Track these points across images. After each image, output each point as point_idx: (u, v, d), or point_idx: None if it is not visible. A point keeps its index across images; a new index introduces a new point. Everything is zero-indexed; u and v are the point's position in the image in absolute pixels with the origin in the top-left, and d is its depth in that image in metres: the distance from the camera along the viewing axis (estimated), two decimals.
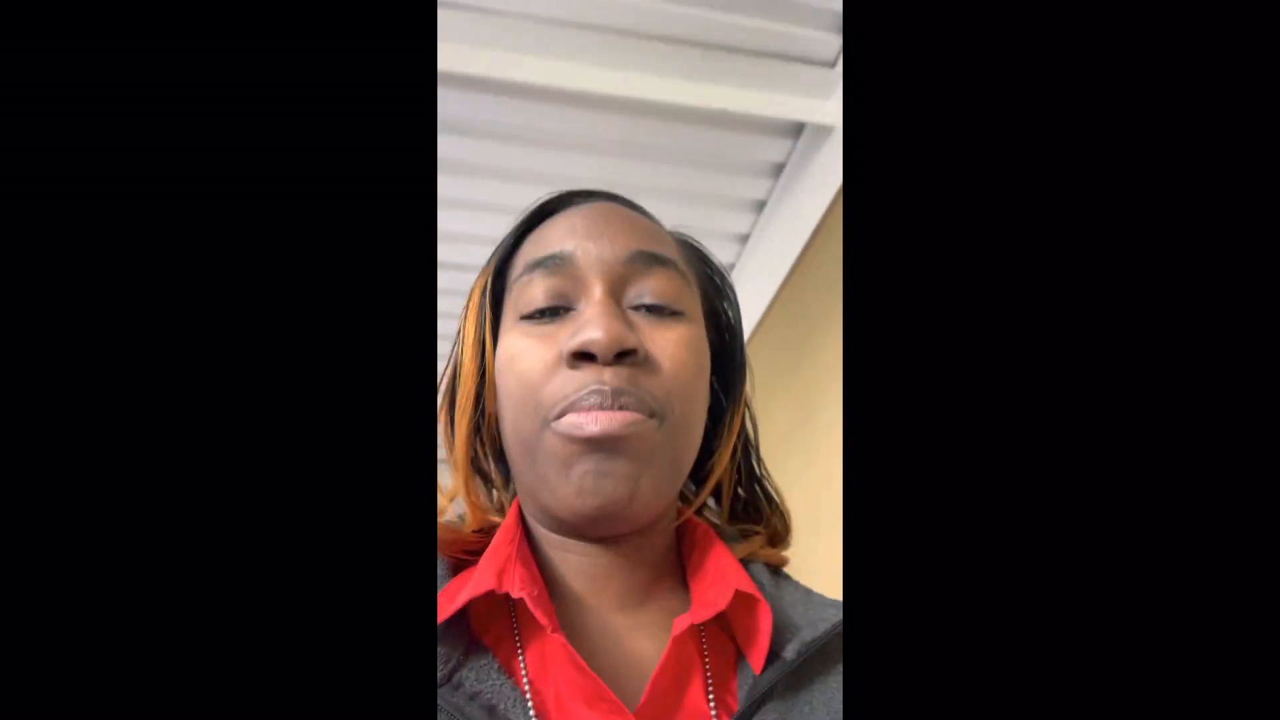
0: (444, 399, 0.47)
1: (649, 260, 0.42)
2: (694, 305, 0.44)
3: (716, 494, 0.49)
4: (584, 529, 0.41)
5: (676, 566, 0.45)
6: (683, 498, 0.47)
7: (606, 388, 0.38)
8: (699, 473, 0.48)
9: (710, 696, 0.38)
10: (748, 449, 0.50)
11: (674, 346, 0.40)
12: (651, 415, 0.39)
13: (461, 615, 0.38)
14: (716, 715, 0.37)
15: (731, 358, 0.49)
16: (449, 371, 0.47)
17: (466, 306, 0.47)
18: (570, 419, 0.38)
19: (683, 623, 0.37)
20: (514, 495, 0.45)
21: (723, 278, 0.50)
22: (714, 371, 0.48)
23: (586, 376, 0.38)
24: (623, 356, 0.39)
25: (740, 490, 0.49)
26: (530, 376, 0.40)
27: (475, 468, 0.46)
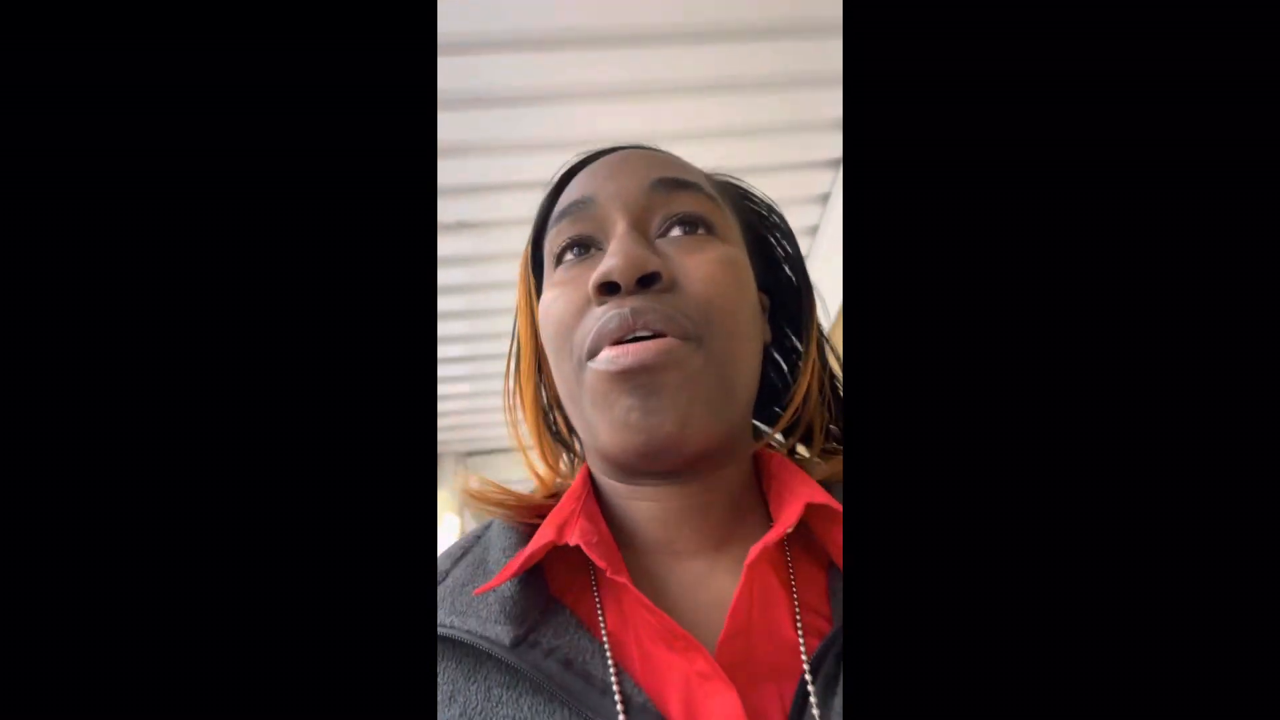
0: (509, 374, 0.47)
1: (670, 185, 0.41)
2: (729, 228, 0.43)
3: (809, 438, 0.47)
4: (642, 466, 0.39)
5: (759, 504, 0.43)
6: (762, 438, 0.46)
7: (626, 309, 0.37)
8: (775, 408, 0.47)
9: (798, 623, 0.37)
10: (833, 383, 0.47)
11: (706, 265, 0.39)
12: (686, 338, 0.37)
13: (539, 575, 0.38)
14: (805, 642, 0.36)
15: (793, 288, 0.47)
16: (511, 349, 0.48)
17: (518, 282, 0.47)
18: (604, 354, 0.37)
19: (755, 550, 0.36)
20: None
21: (769, 208, 0.48)
22: (775, 304, 0.47)
23: (612, 307, 0.37)
24: (647, 284, 0.38)
25: (832, 427, 0.47)
26: (563, 319, 0.40)
27: (549, 431, 0.46)
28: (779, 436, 0.47)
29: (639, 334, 0.37)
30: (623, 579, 0.35)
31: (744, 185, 0.49)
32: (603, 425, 0.38)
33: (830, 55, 1.21)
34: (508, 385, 0.47)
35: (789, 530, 0.37)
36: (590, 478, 0.43)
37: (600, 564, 0.35)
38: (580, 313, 0.39)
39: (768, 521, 0.42)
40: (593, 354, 0.38)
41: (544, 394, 0.47)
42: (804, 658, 0.35)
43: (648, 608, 0.35)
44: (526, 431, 0.46)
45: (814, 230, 1.67)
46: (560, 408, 0.46)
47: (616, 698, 0.33)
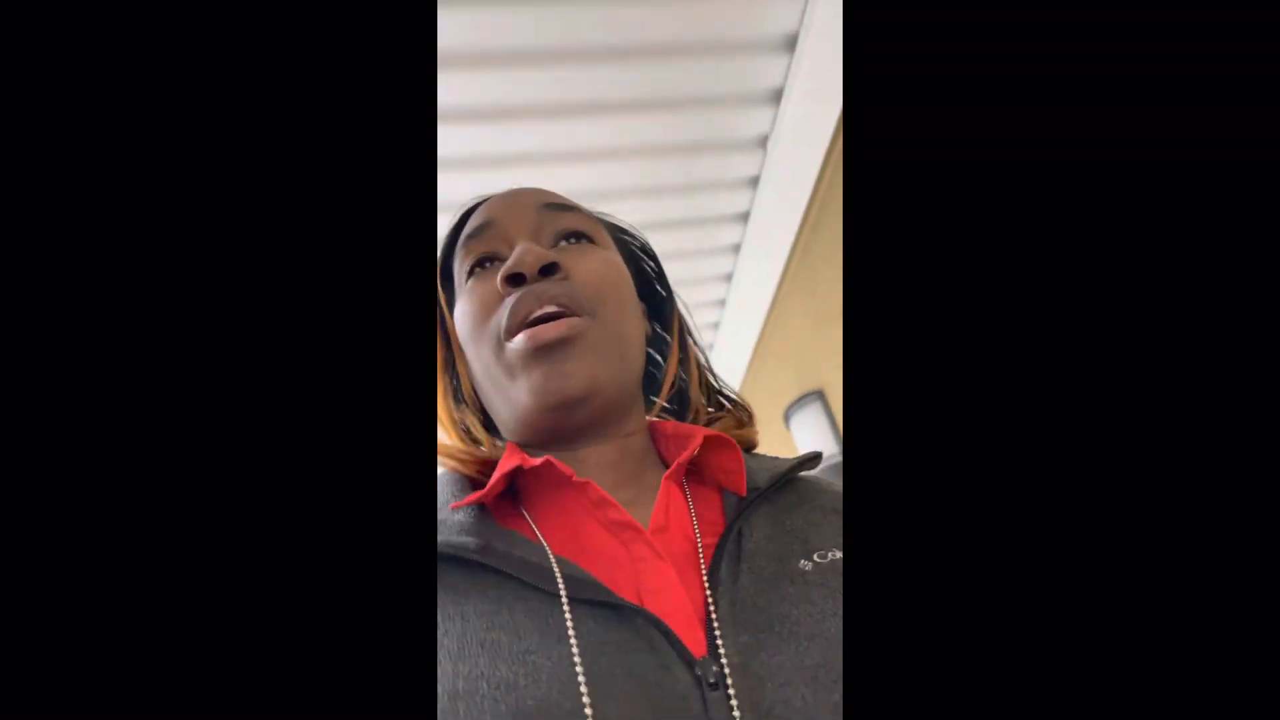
0: None
1: (557, 208, 0.53)
2: (607, 241, 0.55)
3: (688, 412, 0.59)
4: (558, 422, 0.47)
5: (658, 461, 0.53)
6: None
7: (533, 292, 0.46)
8: (656, 387, 0.59)
9: (696, 526, 0.46)
10: (702, 371, 0.60)
11: (593, 262, 0.50)
12: (584, 314, 0.47)
13: (484, 510, 0.45)
14: (701, 543, 0.45)
15: (661, 298, 0.61)
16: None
17: None
18: (520, 336, 0.46)
19: (673, 466, 0.46)
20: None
21: (636, 235, 0.62)
22: (650, 310, 0.60)
23: (521, 294, 0.46)
24: (548, 272, 0.47)
25: (707, 407, 0.59)
26: (478, 312, 0.48)
27: (460, 425, 0.54)
28: (663, 411, 0.59)
29: (547, 310, 0.46)
30: (586, 478, 0.44)
31: (617, 220, 0.62)
32: (524, 392, 0.46)
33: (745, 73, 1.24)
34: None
35: (693, 454, 0.47)
36: (517, 447, 0.51)
37: (566, 470, 0.44)
38: (492, 304, 0.48)
39: (665, 468, 0.52)
40: (510, 334, 0.46)
41: (453, 387, 0.55)
42: (700, 553, 0.44)
43: (601, 499, 0.44)
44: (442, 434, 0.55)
45: (736, 248, 1.72)
46: (474, 397, 0.55)
47: (558, 576, 0.40)
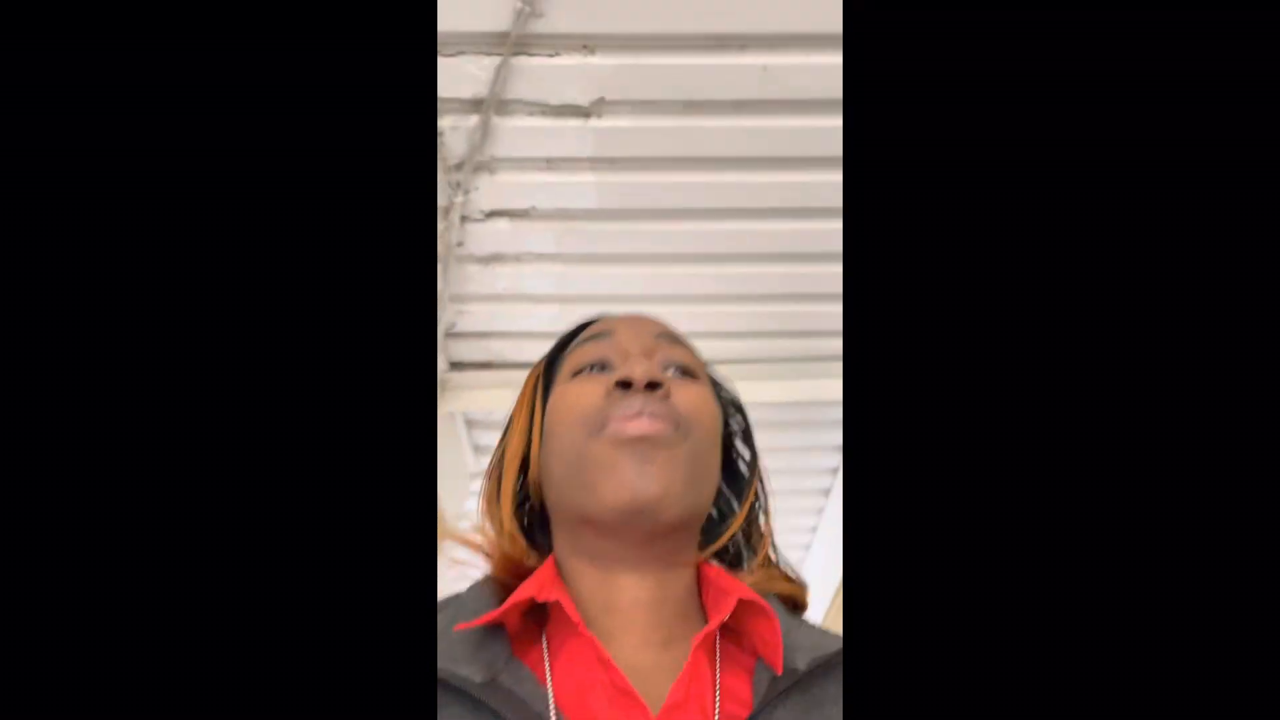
0: (492, 469, 0.56)
1: (672, 339, 0.55)
2: (708, 383, 0.55)
3: (738, 562, 0.56)
4: (626, 522, 0.47)
5: (698, 610, 0.50)
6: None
7: (638, 399, 0.48)
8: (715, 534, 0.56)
9: (716, 706, 0.43)
10: (764, 540, 0.57)
11: (693, 392, 0.51)
12: (677, 428, 0.48)
13: (503, 635, 0.45)
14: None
15: (737, 462, 0.60)
16: (497, 449, 0.57)
17: (523, 389, 0.58)
18: (613, 426, 0.47)
19: (701, 633, 0.43)
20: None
21: (731, 395, 0.61)
22: (724, 472, 0.57)
23: (627, 397, 0.48)
24: (653, 388, 0.49)
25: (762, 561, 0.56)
26: (581, 402, 0.50)
27: (518, 520, 0.53)
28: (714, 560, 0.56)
29: (645, 416, 0.47)
30: (590, 635, 0.42)
31: (720, 377, 0.62)
32: (603, 483, 0.46)
33: None
34: (484, 485, 0.55)
35: (724, 620, 0.44)
36: (556, 564, 0.50)
37: (575, 618, 0.42)
38: (598, 401, 0.49)
39: (704, 624, 0.49)
40: (602, 428, 0.48)
41: (518, 486, 0.54)
42: None
43: (605, 661, 0.41)
44: (488, 525, 0.54)
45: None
46: (538, 500, 0.54)
47: None
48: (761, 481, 0.59)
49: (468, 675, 0.40)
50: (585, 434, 0.48)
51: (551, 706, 0.40)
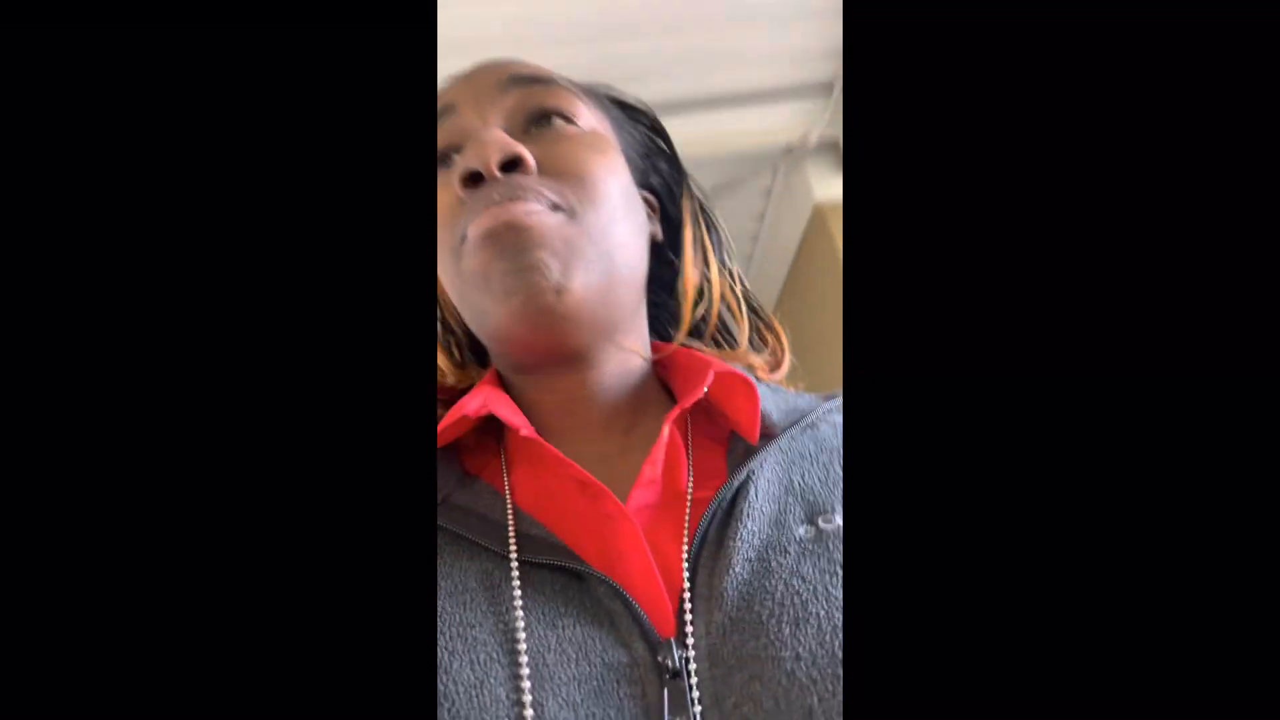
0: None
1: (525, 81, 0.43)
2: (593, 120, 0.44)
3: (728, 338, 0.50)
4: (533, 339, 0.40)
5: (663, 395, 0.45)
6: (663, 339, 0.48)
7: (494, 190, 0.38)
8: (673, 310, 0.49)
9: (690, 483, 0.39)
10: (735, 291, 0.49)
11: (568, 146, 0.40)
12: (556, 209, 0.38)
13: (454, 452, 0.40)
14: (691, 500, 0.38)
15: (669, 181, 0.49)
16: None
17: None
18: (471, 229, 0.38)
19: (673, 412, 0.39)
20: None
21: (643, 107, 0.50)
22: (662, 204, 0.49)
23: (479, 194, 0.38)
24: (511, 168, 0.39)
25: (725, 318, 0.49)
26: (440, 220, 0.41)
27: (445, 346, 0.48)
28: (697, 342, 0.49)
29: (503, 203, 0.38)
30: (532, 434, 0.38)
31: (612, 89, 0.50)
32: (486, 303, 0.39)
33: None
34: None
35: (700, 396, 0.39)
36: (498, 375, 0.45)
37: (512, 423, 0.38)
38: (451, 207, 0.40)
39: (672, 407, 0.44)
40: (464, 238, 0.39)
41: (439, 310, 0.49)
42: (686, 516, 0.37)
43: (557, 459, 0.37)
44: None
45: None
46: (457, 319, 0.48)
47: (511, 535, 0.35)
48: (709, 220, 0.50)
49: None
50: (451, 253, 0.40)
51: (510, 513, 0.36)
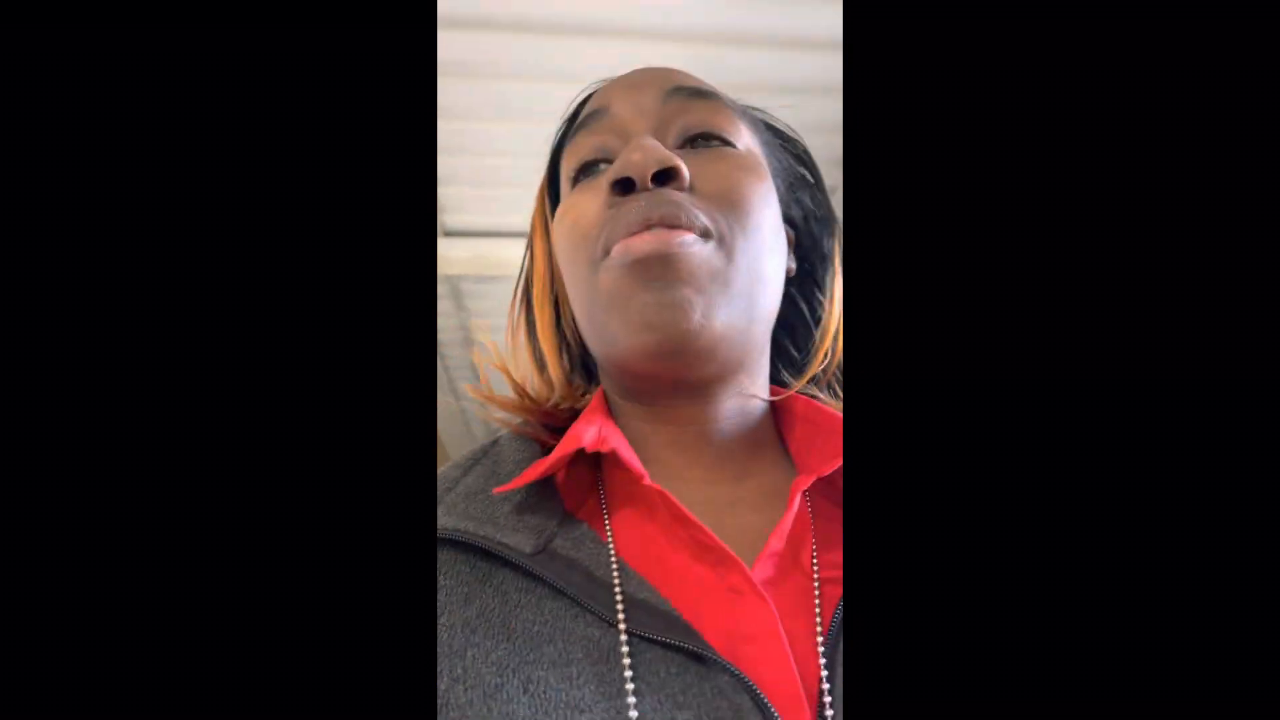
0: (518, 297, 0.46)
1: (688, 94, 0.40)
2: (750, 143, 0.42)
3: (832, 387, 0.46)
4: (662, 371, 0.37)
5: (777, 443, 0.42)
6: (783, 384, 0.45)
7: (644, 202, 0.35)
8: (803, 352, 0.46)
9: (815, 560, 0.35)
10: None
11: (726, 170, 0.38)
12: (705, 235, 0.36)
13: (553, 488, 0.37)
14: (819, 579, 0.35)
15: (816, 218, 0.46)
16: (521, 273, 0.47)
17: (534, 205, 0.47)
18: (616, 249, 0.36)
19: (803, 482, 0.36)
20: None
21: (791, 135, 0.47)
22: (801, 238, 0.46)
23: (629, 204, 0.36)
24: (664, 179, 0.36)
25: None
26: (577, 223, 0.38)
27: (560, 353, 0.45)
28: (813, 388, 0.45)
29: (655, 228, 0.35)
30: (655, 487, 0.34)
31: (766, 114, 0.47)
32: (619, 328, 0.36)
33: None
34: (512, 315, 0.46)
35: (837, 467, 0.36)
36: (606, 399, 0.42)
37: (636, 470, 0.35)
38: (597, 216, 0.38)
39: (786, 462, 0.41)
40: (606, 252, 0.37)
41: (554, 319, 0.45)
42: (816, 599, 0.34)
43: (681, 517, 0.34)
44: (524, 361, 0.45)
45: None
46: (575, 331, 0.45)
47: (618, 593, 0.32)
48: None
49: (516, 545, 0.33)
50: (589, 265, 0.38)
51: (615, 568, 0.34)
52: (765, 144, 0.44)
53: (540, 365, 0.44)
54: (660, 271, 0.35)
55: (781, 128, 0.47)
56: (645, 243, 0.35)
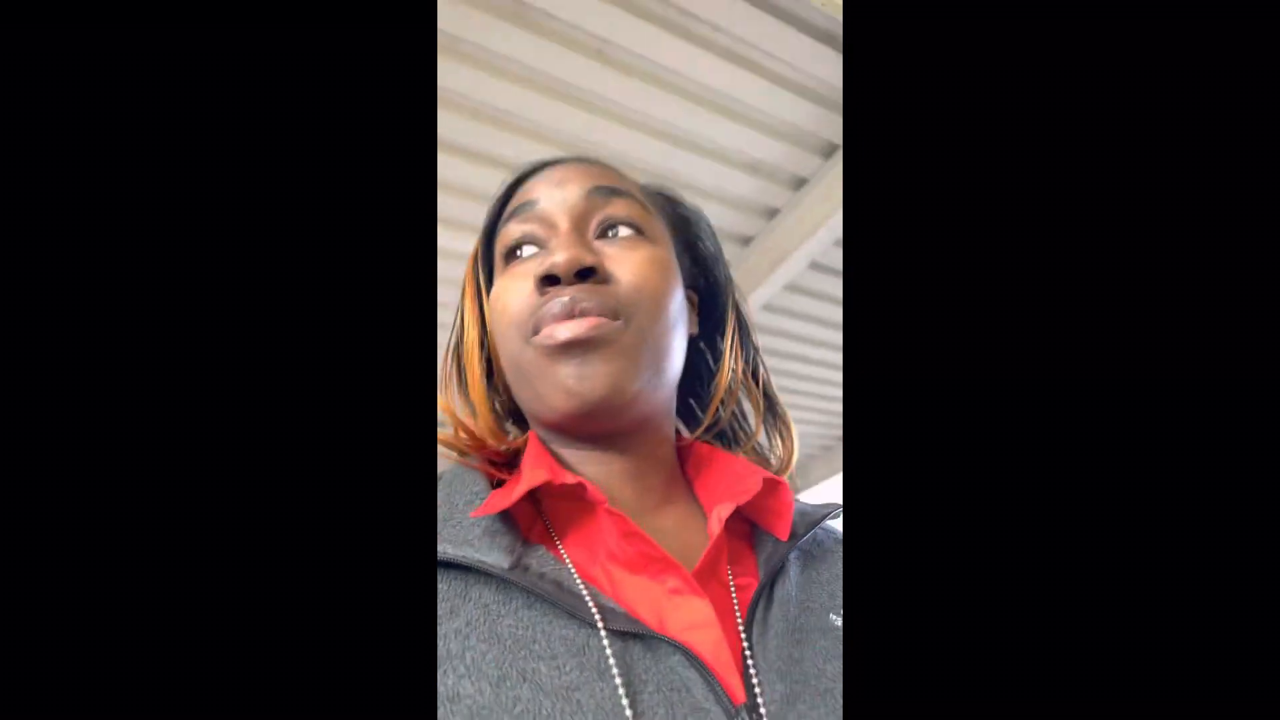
0: (450, 355, 0.53)
1: (606, 192, 0.49)
2: (658, 231, 0.50)
3: (730, 436, 0.55)
4: (582, 426, 0.46)
5: (683, 483, 0.51)
6: (690, 429, 0.54)
7: (567, 298, 0.43)
8: (701, 399, 0.55)
9: (730, 570, 0.45)
10: (763, 386, 0.56)
11: (636, 262, 0.46)
12: (616, 317, 0.44)
13: (510, 517, 0.43)
14: (735, 585, 0.44)
15: (715, 284, 0.56)
16: (453, 332, 0.54)
17: (465, 274, 0.54)
18: (544, 331, 0.44)
19: (726, 509, 0.44)
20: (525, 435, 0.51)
21: (696, 214, 0.57)
22: (703, 300, 0.55)
23: (553, 296, 0.44)
24: (585, 276, 0.45)
25: (752, 412, 0.55)
26: (511, 305, 0.46)
27: (491, 406, 0.51)
28: (707, 434, 0.55)
29: (576, 316, 0.44)
30: (616, 510, 0.42)
31: (673, 193, 0.57)
32: (546, 392, 0.45)
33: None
34: (444, 370, 0.53)
35: (751, 498, 0.45)
36: (540, 441, 0.49)
37: (598, 499, 0.42)
38: (528, 300, 0.46)
39: (693, 498, 0.50)
40: (536, 330, 0.45)
41: (485, 369, 0.52)
42: (734, 596, 0.43)
43: (632, 533, 0.41)
44: (459, 405, 0.52)
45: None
46: (505, 385, 0.52)
47: (590, 604, 0.38)
48: (741, 317, 0.55)
49: (495, 561, 0.39)
50: (520, 340, 0.45)
51: (578, 579, 0.40)
52: (673, 224, 0.54)
53: (473, 414, 0.51)
54: (580, 351, 0.43)
55: (686, 208, 0.57)
56: (568, 328, 0.43)
